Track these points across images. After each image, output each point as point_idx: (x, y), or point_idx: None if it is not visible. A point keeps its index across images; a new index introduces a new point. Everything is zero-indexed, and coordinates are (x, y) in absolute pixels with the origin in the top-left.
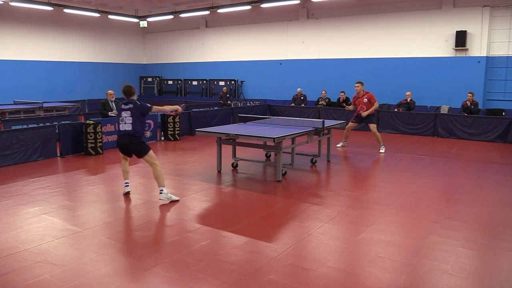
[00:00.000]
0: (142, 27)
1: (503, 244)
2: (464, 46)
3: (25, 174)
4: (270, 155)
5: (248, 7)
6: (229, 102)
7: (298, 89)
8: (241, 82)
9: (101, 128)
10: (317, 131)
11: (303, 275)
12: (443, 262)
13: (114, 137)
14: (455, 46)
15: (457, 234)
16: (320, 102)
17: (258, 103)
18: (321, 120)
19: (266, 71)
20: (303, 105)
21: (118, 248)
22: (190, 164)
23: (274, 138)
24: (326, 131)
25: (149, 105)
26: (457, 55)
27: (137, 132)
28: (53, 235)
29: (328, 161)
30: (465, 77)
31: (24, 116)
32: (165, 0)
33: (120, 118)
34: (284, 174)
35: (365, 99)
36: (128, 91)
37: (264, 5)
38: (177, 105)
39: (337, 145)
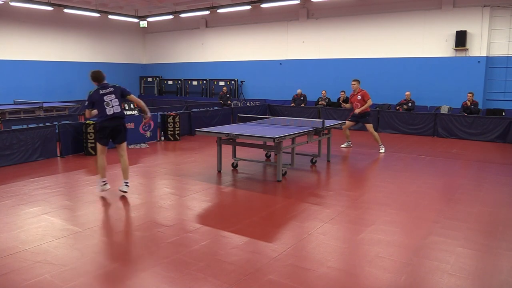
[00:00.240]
0: (142, 27)
1: (503, 244)
2: (464, 46)
3: (25, 174)
4: (270, 155)
5: (248, 7)
6: (229, 102)
7: (298, 90)
8: (241, 82)
9: None
10: (317, 131)
11: (303, 275)
12: (443, 262)
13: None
14: (455, 46)
15: (457, 234)
16: (320, 102)
17: (258, 103)
18: (321, 120)
19: (266, 71)
20: (303, 105)
21: (118, 248)
22: (190, 164)
23: (274, 138)
24: (326, 131)
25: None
26: (457, 55)
27: (124, 115)
28: (53, 235)
29: (328, 161)
30: (465, 77)
31: (24, 116)
32: (165, 0)
33: (105, 102)
34: (284, 174)
35: (359, 97)
36: (99, 76)
37: (264, 5)
38: (148, 114)
39: (342, 146)
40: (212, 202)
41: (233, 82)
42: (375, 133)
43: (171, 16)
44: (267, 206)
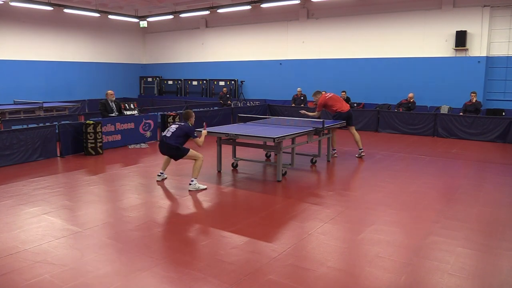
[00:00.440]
0: (142, 27)
1: (503, 244)
2: (464, 46)
3: (25, 174)
4: (270, 155)
5: (248, 7)
6: (229, 102)
7: (298, 88)
8: (241, 82)
9: (101, 128)
10: (317, 131)
11: (303, 275)
12: (443, 262)
13: (114, 137)
14: (455, 46)
15: (457, 234)
16: None
17: (258, 103)
18: (321, 120)
19: (266, 71)
20: (303, 105)
21: (118, 248)
22: (190, 164)
23: (274, 138)
24: (326, 131)
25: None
26: (457, 55)
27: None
28: (53, 235)
29: (328, 161)
30: (465, 77)
31: (24, 116)
32: (165, 0)
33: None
34: (284, 174)
35: (315, 102)
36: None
37: (264, 5)
38: (203, 130)
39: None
40: (212, 202)
41: (233, 82)
42: (335, 138)
43: (171, 16)
44: (267, 206)
